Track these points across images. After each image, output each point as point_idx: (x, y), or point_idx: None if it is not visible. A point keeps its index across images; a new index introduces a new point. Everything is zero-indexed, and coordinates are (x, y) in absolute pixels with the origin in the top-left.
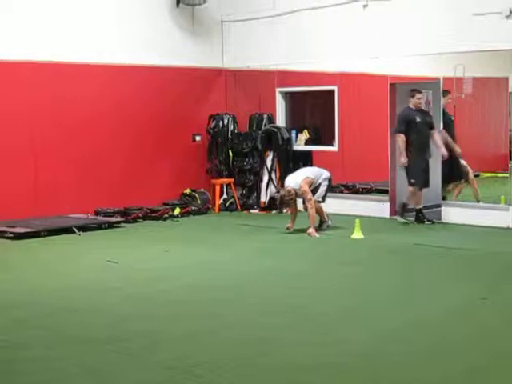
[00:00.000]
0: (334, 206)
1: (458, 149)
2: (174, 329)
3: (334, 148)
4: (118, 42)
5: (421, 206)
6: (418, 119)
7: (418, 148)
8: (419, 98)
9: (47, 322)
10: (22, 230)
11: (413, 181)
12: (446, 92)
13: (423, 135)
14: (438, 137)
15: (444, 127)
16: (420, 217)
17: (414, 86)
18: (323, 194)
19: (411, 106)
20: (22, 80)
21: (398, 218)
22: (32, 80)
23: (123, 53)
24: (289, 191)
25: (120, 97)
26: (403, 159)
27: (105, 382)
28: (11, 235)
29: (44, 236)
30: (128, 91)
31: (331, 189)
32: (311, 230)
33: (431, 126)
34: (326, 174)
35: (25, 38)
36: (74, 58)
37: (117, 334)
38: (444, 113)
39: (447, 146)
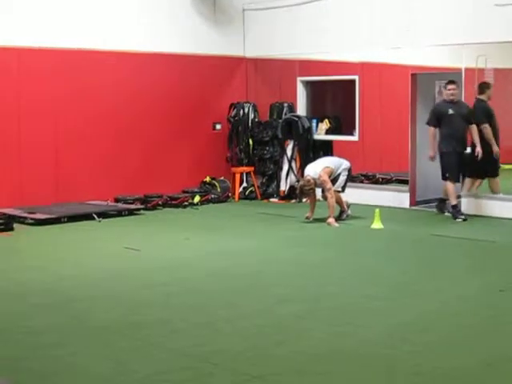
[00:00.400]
0: (354, 195)
1: (496, 148)
2: (193, 317)
3: (355, 138)
4: (139, 30)
5: (455, 202)
6: (450, 111)
7: (450, 141)
8: (450, 90)
9: (67, 309)
10: (43, 217)
11: (447, 175)
12: (488, 85)
13: (455, 128)
14: (474, 132)
15: (488, 123)
16: (452, 212)
17: (436, 77)
18: (343, 183)
19: (445, 97)
20: (44, 67)
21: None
22: (55, 67)
23: (145, 41)
24: (308, 181)
25: (141, 85)
26: (430, 152)
27: (124, 370)
28: (31, 221)
29: (64, 222)
30: (149, 79)
31: (351, 179)
32: (331, 220)
33: (467, 120)
34: (345, 163)
35: (48, 25)
36: (96, 45)
37: (136, 322)
38: (487, 108)
39: (487, 143)
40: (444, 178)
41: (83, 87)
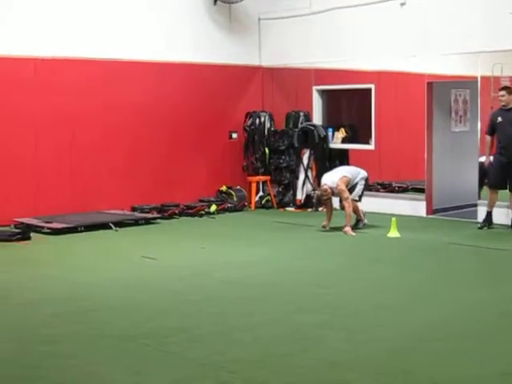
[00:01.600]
0: (371, 204)
1: None
2: (210, 325)
3: (371, 146)
4: (156, 40)
5: (490, 209)
6: (499, 119)
7: (499, 149)
8: (500, 96)
9: (84, 318)
10: (59, 226)
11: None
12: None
13: (505, 135)
14: None
15: None
16: (487, 218)
17: (452, 85)
18: (360, 193)
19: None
20: (61, 78)
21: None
22: (71, 78)
23: (161, 51)
24: (325, 190)
25: (158, 94)
26: (486, 160)
27: (141, 378)
28: (48, 231)
29: (81, 231)
30: (166, 89)
31: (367, 188)
32: (347, 229)
33: None
34: (363, 173)
35: (66, 35)
36: (113, 55)
37: (153, 331)
38: None
39: None
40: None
41: (100, 97)
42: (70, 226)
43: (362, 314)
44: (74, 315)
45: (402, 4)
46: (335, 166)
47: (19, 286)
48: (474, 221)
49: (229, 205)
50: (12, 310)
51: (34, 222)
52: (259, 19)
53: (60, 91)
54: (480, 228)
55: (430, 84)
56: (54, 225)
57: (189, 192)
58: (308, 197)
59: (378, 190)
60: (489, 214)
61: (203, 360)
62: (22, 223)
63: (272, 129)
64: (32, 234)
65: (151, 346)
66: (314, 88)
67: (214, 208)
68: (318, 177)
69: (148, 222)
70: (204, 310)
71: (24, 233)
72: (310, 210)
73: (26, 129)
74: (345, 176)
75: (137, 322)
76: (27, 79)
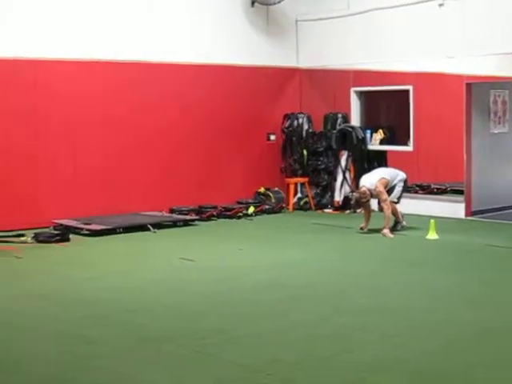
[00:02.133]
0: (409, 206)
1: None
2: (247, 327)
3: (409, 148)
4: (194, 42)
5: None
6: None
7: None
8: None
9: (121, 319)
10: (98, 227)
11: None
12: None
13: None
14: None
15: None
16: None
17: (490, 86)
18: (398, 194)
19: None
20: (102, 80)
21: None
22: (109, 80)
23: (199, 53)
24: (364, 192)
25: (195, 96)
26: None
27: (177, 380)
28: (87, 232)
29: (119, 233)
30: (203, 91)
31: (406, 189)
32: (386, 231)
33: None
34: (401, 175)
35: (108, 38)
36: (151, 58)
37: (190, 332)
38: None
39: None
40: None
41: (139, 100)
42: (108, 227)
43: (400, 317)
44: (112, 316)
45: (440, 5)
46: (373, 168)
47: (59, 287)
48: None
49: (267, 206)
50: (51, 310)
51: (73, 223)
52: (296, 21)
53: (97, 94)
54: None
55: (468, 85)
56: (93, 226)
57: (227, 194)
58: (346, 198)
59: (416, 192)
60: None
61: (241, 361)
62: (61, 225)
63: (310, 130)
64: (71, 236)
65: (189, 347)
66: (352, 89)
67: (251, 210)
68: (357, 178)
69: (186, 223)
70: (241, 312)
71: (63, 234)
72: (347, 211)
73: (65, 131)
74: (383, 178)
75: (174, 324)
76: (67, 80)
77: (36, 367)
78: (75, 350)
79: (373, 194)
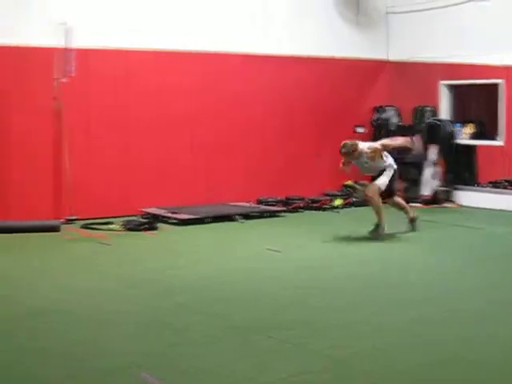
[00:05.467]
0: (501, 201)
1: None
2: (333, 318)
3: (500, 142)
4: (283, 33)
5: None
6: None
7: None
8: None
9: (209, 308)
10: (186, 217)
11: None
12: None
13: None
14: None
15: None
16: None
17: None
18: (387, 182)
19: None
20: (185, 72)
21: None
22: (194, 70)
23: (288, 44)
24: (352, 144)
25: (284, 88)
26: None
27: (261, 369)
28: (175, 221)
29: (208, 223)
30: (291, 82)
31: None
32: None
33: None
34: (393, 162)
35: (190, 30)
36: (238, 49)
37: (276, 322)
38: None
39: None
40: None
41: (228, 92)
42: (196, 216)
43: (474, 311)
44: (199, 305)
45: None
46: (462, 162)
47: (148, 275)
48: None
49: (354, 199)
50: (141, 298)
51: (161, 212)
52: (387, 13)
53: (192, 87)
54: None
55: None
56: (181, 215)
57: (313, 186)
58: (435, 192)
59: (505, 188)
60: None
61: (326, 352)
62: (149, 213)
63: (399, 123)
64: (159, 225)
65: (274, 337)
66: (441, 83)
67: (338, 202)
68: (446, 173)
69: (273, 214)
70: (328, 303)
71: (151, 223)
72: (435, 205)
73: (156, 124)
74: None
75: (260, 314)
76: (146, 72)
77: (122, 354)
78: (163, 337)
79: (364, 154)
